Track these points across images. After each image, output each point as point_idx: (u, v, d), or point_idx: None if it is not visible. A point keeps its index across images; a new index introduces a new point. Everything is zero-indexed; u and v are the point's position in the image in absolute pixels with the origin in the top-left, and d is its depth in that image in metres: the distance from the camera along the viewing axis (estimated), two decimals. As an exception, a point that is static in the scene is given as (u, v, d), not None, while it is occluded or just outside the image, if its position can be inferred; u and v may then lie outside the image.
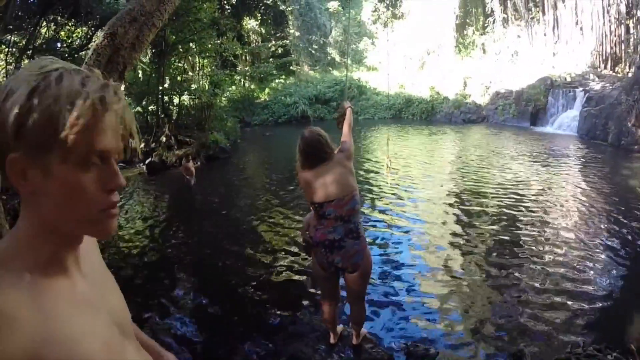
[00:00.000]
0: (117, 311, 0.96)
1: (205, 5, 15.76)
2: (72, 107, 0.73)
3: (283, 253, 7.28)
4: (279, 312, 5.49)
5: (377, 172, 12.58)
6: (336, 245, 3.33)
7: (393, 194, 10.29)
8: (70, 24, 13.97)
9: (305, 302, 5.70)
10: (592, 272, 6.25)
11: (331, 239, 3.35)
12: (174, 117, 16.90)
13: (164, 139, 15.19)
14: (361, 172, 12.47)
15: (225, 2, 23.96)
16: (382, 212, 9.10)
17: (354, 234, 3.34)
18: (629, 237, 7.37)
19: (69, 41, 14.40)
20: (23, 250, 0.77)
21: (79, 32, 14.45)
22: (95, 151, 0.77)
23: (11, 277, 0.73)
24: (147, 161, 14.29)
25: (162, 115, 16.22)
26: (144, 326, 5.22)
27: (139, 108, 16.60)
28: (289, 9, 32.29)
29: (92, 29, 13.71)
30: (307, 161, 3.36)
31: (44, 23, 13.41)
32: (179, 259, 7.34)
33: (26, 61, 12.01)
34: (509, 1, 27.87)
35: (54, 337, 0.73)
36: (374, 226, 8.23)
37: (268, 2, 28.93)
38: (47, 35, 13.98)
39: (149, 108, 16.58)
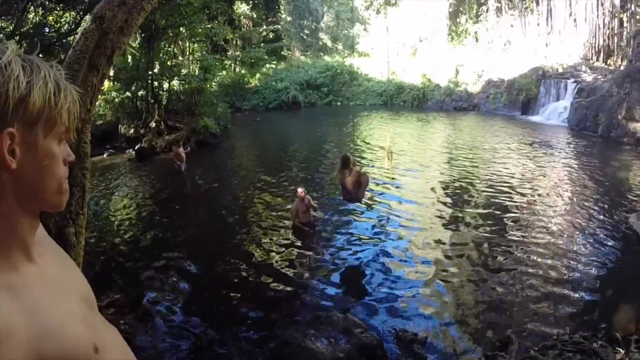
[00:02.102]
0: (81, 287, 0.96)
1: (196, -12, 15.53)
2: (59, 88, 0.78)
3: (273, 239, 7.29)
4: (269, 299, 5.51)
5: (374, 160, 12.60)
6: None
7: (388, 184, 10.28)
8: (58, 9, 13.67)
9: (295, 289, 5.73)
10: (579, 262, 6.33)
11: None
12: (163, 103, 16.72)
13: (153, 124, 15.05)
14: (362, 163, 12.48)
15: (216, -15, 23.57)
16: (376, 202, 9.10)
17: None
18: (616, 229, 7.46)
19: (57, 26, 14.10)
20: None
21: (67, 17, 14.14)
22: (67, 128, 0.83)
23: None
24: (136, 147, 14.14)
25: (152, 101, 16.04)
26: (136, 310, 5.22)
27: (128, 93, 16.38)
28: (281, -7, 31.95)
29: (81, 13, 13.40)
30: (342, 164, 6.78)
31: (32, 8, 13.11)
32: (169, 245, 7.31)
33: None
34: (502, -10, 27.75)
35: (45, 332, 0.74)
36: (368, 217, 8.27)
37: (260, -14, 28.68)
38: (34, 21, 13.67)
39: (139, 93, 16.38)
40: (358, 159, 12.70)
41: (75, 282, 0.94)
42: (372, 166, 11.76)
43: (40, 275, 0.82)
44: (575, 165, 12.01)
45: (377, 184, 10.15)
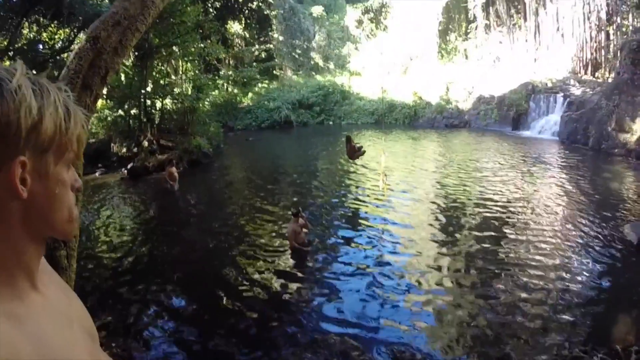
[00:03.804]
0: (83, 318, 0.93)
1: (189, 8, 15.63)
2: (69, 113, 0.75)
3: (267, 260, 7.20)
4: (265, 322, 5.41)
5: (367, 181, 12.60)
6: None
7: (382, 205, 10.20)
8: (52, 26, 13.74)
9: (291, 312, 5.64)
10: (575, 275, 6.31)
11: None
12: (156, 122, 16.68)
13: (146, 143, 14.98)
14: (357, 183, 12.43)
15: (209, 5, 23.80)
16: (371, 224, 9.03)
17: None
18: (612, 241, 7.48)
19: (51, 43, 14.16)
20: None
21: (61, 34, 14.20)
22: (76, 154, 0.79)
23: None
24: (128, 166, 14.05)
25: (145, 120, 16.00)
26: (129, 333, 5.12)
27: (120, 112, 16.35)
28: (273, 13, 32.27)
29: (75, 30, 13.49)
30: (346, 140, 10.00)
31: (26, 24, 13.17)
32: (162, 266, 7.21)
33: (7, 63, 11.72)
34: (491, 7, 28.28)
35: None
36: (364, 237, 8.19)
37: (252, 6, 28.94)
38: (29, 37, 13.73)
39: (131, 112, 16.34)
40: (352, 180, 12.80)
41: (78, 313, 0.91)
42: (365, 188, 11.73)
43: (45, 305, 0.79)
44: (568, 179, 12.07)
45: (370, 206, 10.11)
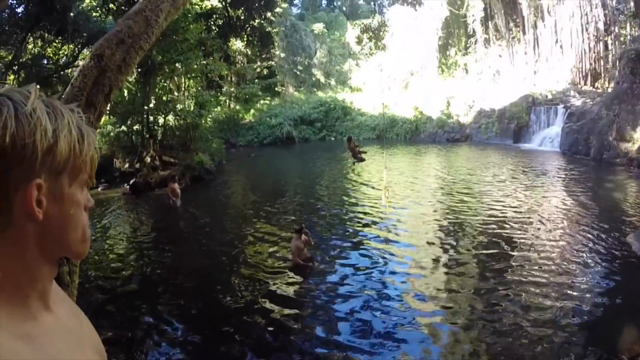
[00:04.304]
0: (92, 337, 0.93)
1: (192, 26, 15.83)
2: (82, 135, 0.76)
3: (269, 277, 7.13)
4: (267, 339, 5.36)
5: (369, 198, 12.61)
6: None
7: (386, 220, 10.17)
8: (57, 41, 13.93)
9: (294, 329, 5.59)
10: (580, 288, 6.26)
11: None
12: (159, 138, 16.76)
13: (148, 159, 15.04)
14: (359, 200, 12.43)
15: (212, 23, 24.06)
16: (375, 240, 8.94)
17: None
18: (615, 251, 7.44)
19: (55, 58, 14.33)
20: (9, 296, 0.72)
21: (65, 50, 14.38)
22: (89, 175, 0.80)
23: (7, 332, 0.68)
24: (131, 181, 14.10)
25: (147, 136, 16.08)
26: (128, 349, 5.09)
27: (123, 127, 16.45)
28: (275, 30, 32.57)
29: (79, 46, 13.67)
30: (347, 141, 10.68)
31: (31, 39, 13.36)
32: (162, 283, 7.17)
33: (12, 77, 11.90)
34: (490, 22, 28.51)
35: None
36: (368, 256, 8.09)
37: (254, 24, 29.18)
38: (33, 52, 13.91)
39: (134, 128, 16.44)
40: (354, 197, 12.86)
41: (88, 333, 0.92)
42: (367, 205, 11.71)
43: (57, 325, 0.80)
44: (571, 191, 12.04)
45: (373, 224, 10.04)
